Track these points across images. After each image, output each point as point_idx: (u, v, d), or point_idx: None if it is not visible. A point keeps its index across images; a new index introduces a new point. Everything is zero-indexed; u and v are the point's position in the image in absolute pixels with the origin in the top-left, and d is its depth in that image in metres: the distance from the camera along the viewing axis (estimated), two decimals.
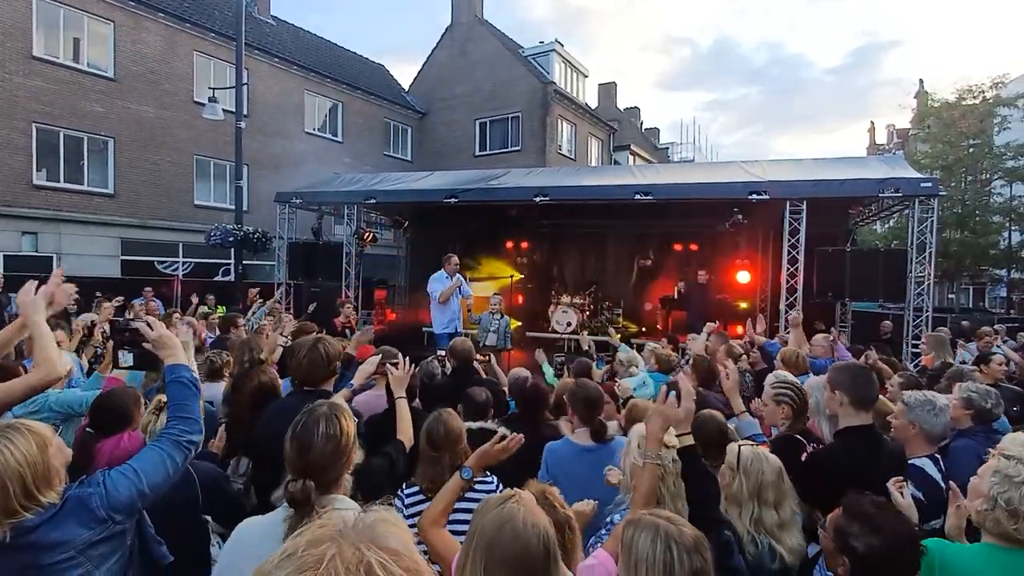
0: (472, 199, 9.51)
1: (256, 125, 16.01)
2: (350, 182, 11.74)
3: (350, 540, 0.66)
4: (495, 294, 8.22)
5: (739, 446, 2.23)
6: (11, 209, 12.32)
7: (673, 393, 2.01)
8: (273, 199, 11.19)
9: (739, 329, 7.74)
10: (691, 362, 4.33)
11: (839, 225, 10.40)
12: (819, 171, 8.89)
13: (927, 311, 8.17)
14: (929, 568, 1.65)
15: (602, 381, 4.60)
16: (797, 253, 8.29)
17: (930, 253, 8.08)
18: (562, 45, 22.35)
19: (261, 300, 7.61)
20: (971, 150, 20.07)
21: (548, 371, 5.26)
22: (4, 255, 12.32)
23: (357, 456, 1.82)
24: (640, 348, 5.62)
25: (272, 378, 3.11)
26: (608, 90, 31.26)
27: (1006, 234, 21.05)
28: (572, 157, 22.20)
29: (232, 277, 13.56)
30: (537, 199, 9.00)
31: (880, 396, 2.94)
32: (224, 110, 11.51)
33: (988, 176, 20.89)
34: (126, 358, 2.03)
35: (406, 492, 2.32)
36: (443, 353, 4.74)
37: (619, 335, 7.12)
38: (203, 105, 11.96)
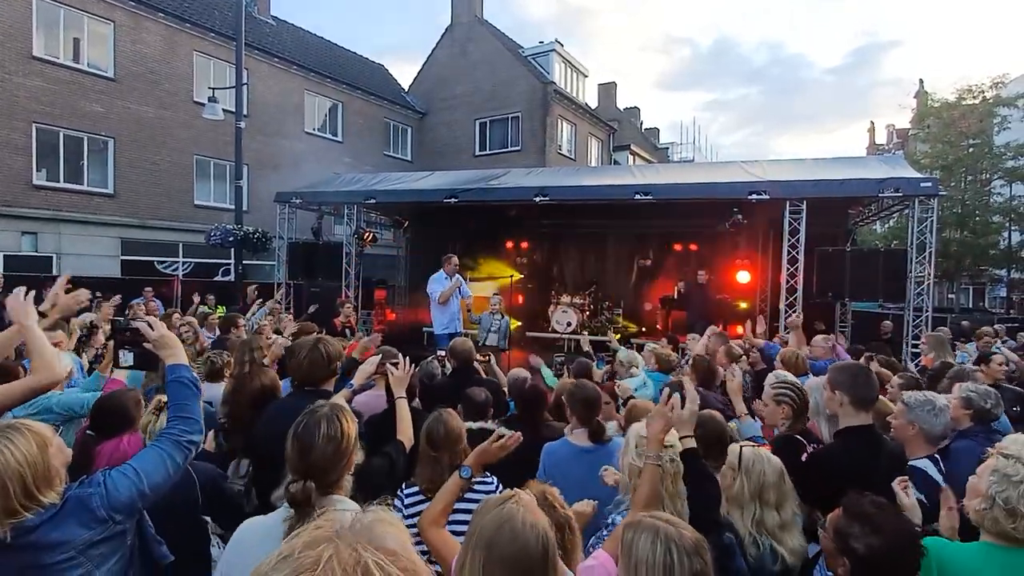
0: (472, 199, 9.51)
1: (256, 125, 16.00)
2: (350, 182, 11.74)
3: (347, 541, 0.66)
4: (495, 294, 8.22)
5: (740, 447, 2.23)
6: (11, 209, 12.32)
7: (677, 395, 2.01)
8: (273, 199, 11.19)
9: (739, 329, 7.73)
10: (691, 362, 4.33)
11: (839, 225, 10.39)
12: (819, 171, 8.88)
13: (927, 311, 8.17)
14: (928, 567, 1.65)
15: (602, 381, 4.60)
16: (797, 253, 8.28)
17: (930, 253, 8.08)
18: (562, 45, 22.35)
19: (260, 300, 7.60)
20: (971, 150, 20.09)
21: (547, 372, 5.26)
22: (4, 255, 12.32)
23: (357, 456, 1.82)
24: (640, 348, 5.61)
25: (272, 379, 3.11)
26: (608, 90, 31.25)
27: (1006, 234, 21.07)
28: (572, 157, 22.19)
29: (232, 277, 13.55)
30: (537, 199, 9.00)
31: (880, 396, 2.93)
32: (224, 110, 11.51)
33: (988, 176, 20.90)
34: (126, 358, 2.04)
35: (406, 492, 2.33)
36: (443, 353, 4.74)
37: (618, 335, 7.11)
38: (203, 105, 11.95)
